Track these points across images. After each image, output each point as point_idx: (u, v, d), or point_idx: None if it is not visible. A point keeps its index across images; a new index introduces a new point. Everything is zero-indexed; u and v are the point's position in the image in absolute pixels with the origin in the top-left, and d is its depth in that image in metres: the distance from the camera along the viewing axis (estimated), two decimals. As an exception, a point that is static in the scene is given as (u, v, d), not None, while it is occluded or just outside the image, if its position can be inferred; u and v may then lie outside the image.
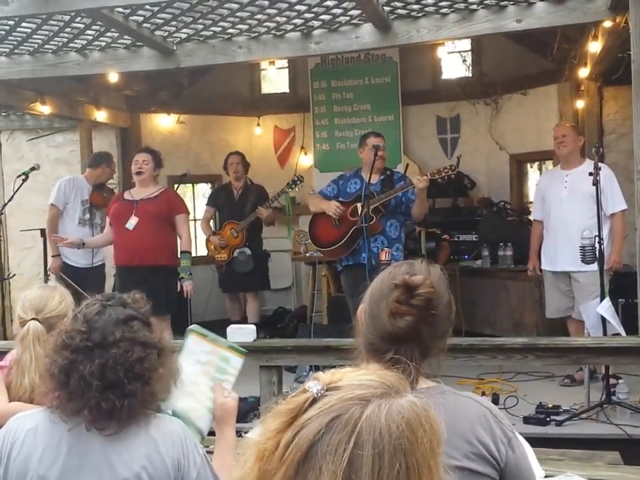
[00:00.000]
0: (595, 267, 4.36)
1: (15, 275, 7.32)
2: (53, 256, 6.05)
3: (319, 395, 0.98)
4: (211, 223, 6.92)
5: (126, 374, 1.71)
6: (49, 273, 6.04)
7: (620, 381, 4.50)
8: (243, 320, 6.43)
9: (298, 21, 4.58)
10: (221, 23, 4.61)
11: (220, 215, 6.76)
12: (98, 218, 6.20)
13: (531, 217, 5.72)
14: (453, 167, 4.94)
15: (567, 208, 4.99)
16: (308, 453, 0.93)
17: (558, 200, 5.05)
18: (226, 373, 2.09)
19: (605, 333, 4.17)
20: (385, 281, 1.64)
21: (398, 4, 4.34)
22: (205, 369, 2.08)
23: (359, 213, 5.03)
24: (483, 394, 4.70)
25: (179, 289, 5.36)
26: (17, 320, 2.75)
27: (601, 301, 4.15)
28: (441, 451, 0.99)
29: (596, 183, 4.35)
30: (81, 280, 5.88)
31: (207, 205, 6.93)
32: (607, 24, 4.45)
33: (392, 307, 1.58)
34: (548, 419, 4.24)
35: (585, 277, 4.81)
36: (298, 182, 6.32)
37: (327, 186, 5.51)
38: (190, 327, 2.16)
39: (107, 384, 1.70)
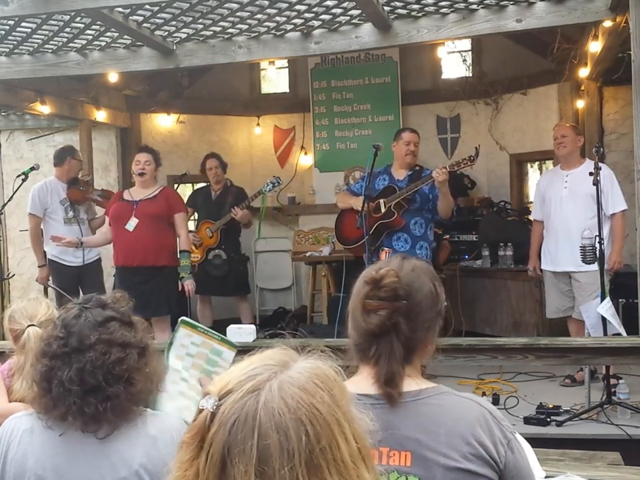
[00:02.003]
0: (595, 266, 4.36)
1: (14, 274, 7.33)
2: (39, 266, 5.94)
3: (215, 407, 0.95)
4: (191, 224, 6.89)
5: (105, 376, 1.68)
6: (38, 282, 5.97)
7: (620, 381, 4.50)
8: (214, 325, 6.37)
9: (298, 21, 4.58)
10: (221, 23, 4.61)
11: (198, 215, 6.79)
12: (82, 213, 6.09)
13: (531, 217, 5.71)
14: (472, 158, 4.87)
15: (567, 208, 4.98)
16: (222, 466, 0.91)
17: (558, 200, 5.05)
18: (217, 366, 2.04)
19: (605, 333, 4.16)
20: (360, 280, 1.64)
21: (398, 4, 4.34)
22: (194, 361, 2.04)
23: (381, 209, 5.03)
24: (483, 394, 4.70)
25: (180, 289, 5.35)
26: (9, 335, 2.70)
27: (602, 300, 4.15)
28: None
29: (596, 183, 4.34)
30: (77, 279, 5.84)
31: (185, 204, 6.94)
32: (607, 24, 4.45)
33: (364, 304, 1.59)
34: (548, 419, 4.23)
35: (585, 276, 4.81)
36: (276, 184, 6.31)
37: (356, 182, 5.52)
38: (181, 318, 2.10)
39: (87, 388, 1.68)
